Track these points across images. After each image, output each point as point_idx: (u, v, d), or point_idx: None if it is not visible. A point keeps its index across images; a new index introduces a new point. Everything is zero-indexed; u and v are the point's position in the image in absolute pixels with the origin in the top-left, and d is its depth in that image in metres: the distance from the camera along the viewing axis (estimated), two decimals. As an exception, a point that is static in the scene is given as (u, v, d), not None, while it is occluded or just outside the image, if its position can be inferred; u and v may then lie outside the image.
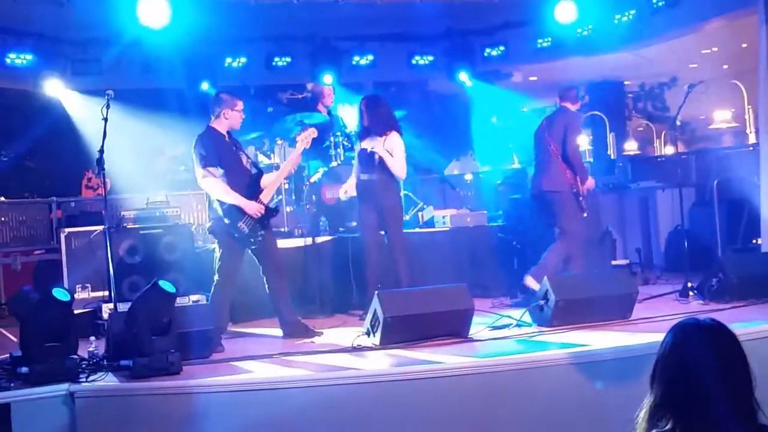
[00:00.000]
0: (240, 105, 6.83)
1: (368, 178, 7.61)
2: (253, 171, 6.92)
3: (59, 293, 5.36)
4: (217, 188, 6.62)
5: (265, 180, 6.94)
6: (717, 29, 13.18)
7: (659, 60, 15.18)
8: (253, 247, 6.73)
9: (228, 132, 6.84)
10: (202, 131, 6.78)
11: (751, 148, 10.84)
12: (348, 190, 7.92)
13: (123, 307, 6.31)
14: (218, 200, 6.65)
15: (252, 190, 6.75)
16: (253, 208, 6.64)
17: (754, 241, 8.92)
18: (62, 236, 7.95)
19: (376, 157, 7.50)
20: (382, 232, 7.67)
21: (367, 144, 7.62)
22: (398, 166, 7.57)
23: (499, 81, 13.86)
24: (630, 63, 14.76)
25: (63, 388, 5.05)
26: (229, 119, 6.77)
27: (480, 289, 8.06)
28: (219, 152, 6.66)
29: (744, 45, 13.38)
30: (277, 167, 8.44)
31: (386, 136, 7.58)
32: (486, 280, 8.43)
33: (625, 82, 18.08)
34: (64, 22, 10.15)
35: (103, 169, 6.41)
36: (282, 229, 8.61)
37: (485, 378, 5.24)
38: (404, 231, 8.73)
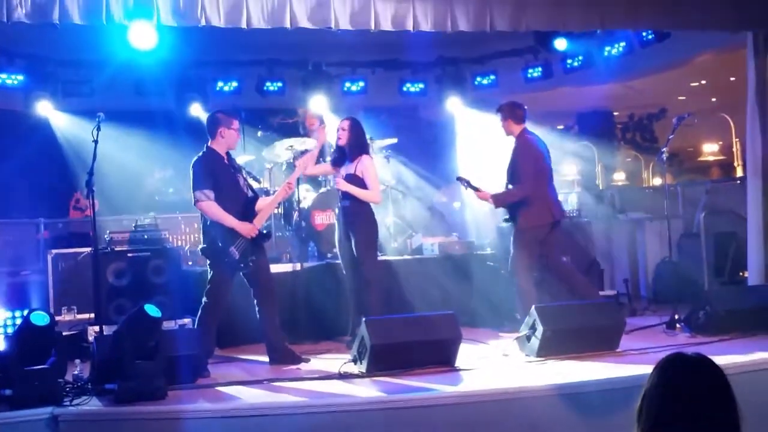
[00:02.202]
0: (236, 124, 6.84)
1: (341, 205, 7.59)
2: (249, 194, 6.91)
3: (36, 318, 5.31)
4: (211, 210, 6.60)
5: (260, 204, 6.93)
6: (706, 62, 13.32)
7: (648, 92, 15.32)
8: (244, 271, 6.71)
9: (227, 153, 6.83)
10: (201, 153, 6.78)
11: (738, 182, 10.92)
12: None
13: (109, 329, 6.28)
14: (212, 222, 6.64)
15: (246, 213, 6.73)
16: (246, 228, 6.62)
17: (741, 274, 8.95)
18: (49, 257, 7.92)
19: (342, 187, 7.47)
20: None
21: (343, 171, 7.58)
22: (369, 194, 7.48)
23: (489, 110, 13.92)
24: (619, 94, 14.89)
25: (47, 411, 5.00)
26: (225, 138, 6.75)
27: (468, 317, 8.04)
28: (215, 174, 6.64)
29: (732, 78, 13.52)
30: (267, 192, 8.43)
31: (358, 160, 7.54)
32: (474, 309, 8.41)
33: (614, 113, 18.20)
34: (56, 43, 10.16)
35: (93, 191, 6.40)
36: (270, 254, 8.58)
37: (473, 408, 5.22)
38: (393, 258, 8.76)
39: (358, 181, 7.45)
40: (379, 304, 7.37)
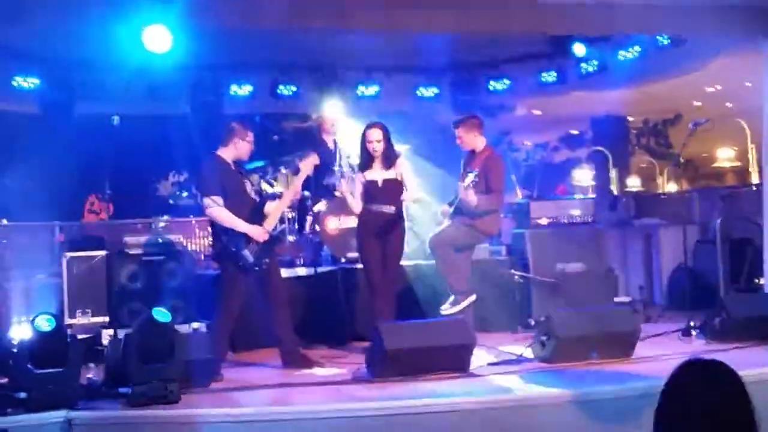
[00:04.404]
0: (251, 136, 6.81)
1: (383, 210, 7.41)
2: (257, 199, 6.92)
3: (42, 322, 5.31)
4: (221, 216, 6.60)
5: (268, 208, 6.94)
6: (721, 67, 13.25)
7: (663, 97, 15.23)
8: (257, 275, 6.70)
9: (234, 161, 6.82)
10: (207, 159, 6.77)
11: (754, 188, 10.85)
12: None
13: (123, 333, 6.29)
14: (222, 228, 6.63)
15: (255, 218, 6.74)
16: (257, 231, 6.61)
17: (757, 280, 8.89)
18: (64, 260, 7.93)
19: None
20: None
21: (379, 175, 7.42)
22: (413, 196, 7.42)
23: (503, 114, 13.90)
24: (634, 99, 14.82)
25: (61, 414, 5.02)
26: (238, 149, 6.75)
27: (481, 322, 8.01)
28: (222, 180, 6.65)
29: (748, 83, 13.41)
30: (281, 196, 8.42)
31: (395, 164, 7.45)
32: (487, 314, 8.36)
33: (629, 118, 18.10)
34: (71, 46, 10.20)
35: (108, 194, 6.43)
36: (284, 259, 8.58)
37: (485, 414, 5.20)
38: (406, 263, 8.71)
39: (399, 185, 7.34)
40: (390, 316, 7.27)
